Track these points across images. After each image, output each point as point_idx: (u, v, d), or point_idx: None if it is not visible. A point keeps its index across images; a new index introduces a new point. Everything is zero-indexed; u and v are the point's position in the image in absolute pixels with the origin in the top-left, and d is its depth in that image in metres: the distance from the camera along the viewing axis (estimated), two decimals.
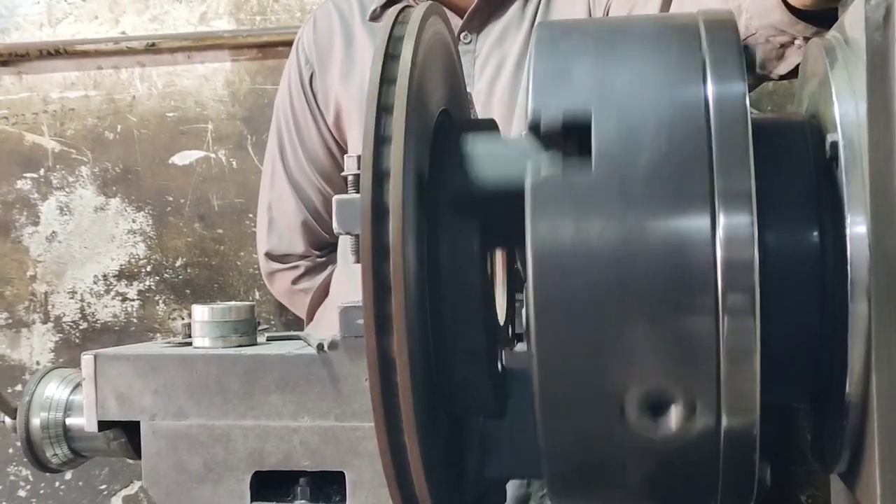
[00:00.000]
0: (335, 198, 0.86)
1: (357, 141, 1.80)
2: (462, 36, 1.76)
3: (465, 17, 1.76)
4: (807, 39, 1.27)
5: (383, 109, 0.79)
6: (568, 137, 0.76)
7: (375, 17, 1.82)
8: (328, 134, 1.90)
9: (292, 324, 2.27)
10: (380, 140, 0.78)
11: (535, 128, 0.77)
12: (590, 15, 1.73)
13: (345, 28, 1.86)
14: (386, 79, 0.80)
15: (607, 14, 1.69)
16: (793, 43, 1.31)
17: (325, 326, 1.89)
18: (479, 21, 1.77)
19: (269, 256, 1.98)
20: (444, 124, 0.91)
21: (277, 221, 1.96)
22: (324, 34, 1.88)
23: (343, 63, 1.84)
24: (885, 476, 0.76)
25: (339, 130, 1.88)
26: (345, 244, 1.90)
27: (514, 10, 1.77)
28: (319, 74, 1.87)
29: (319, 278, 1.97)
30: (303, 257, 1.96)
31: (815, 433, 0.95)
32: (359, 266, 1.91)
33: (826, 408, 0.87)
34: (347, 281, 1.86)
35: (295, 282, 1.97)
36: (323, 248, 1.97)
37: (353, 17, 1.86)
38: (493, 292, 0.95)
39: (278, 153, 1.95)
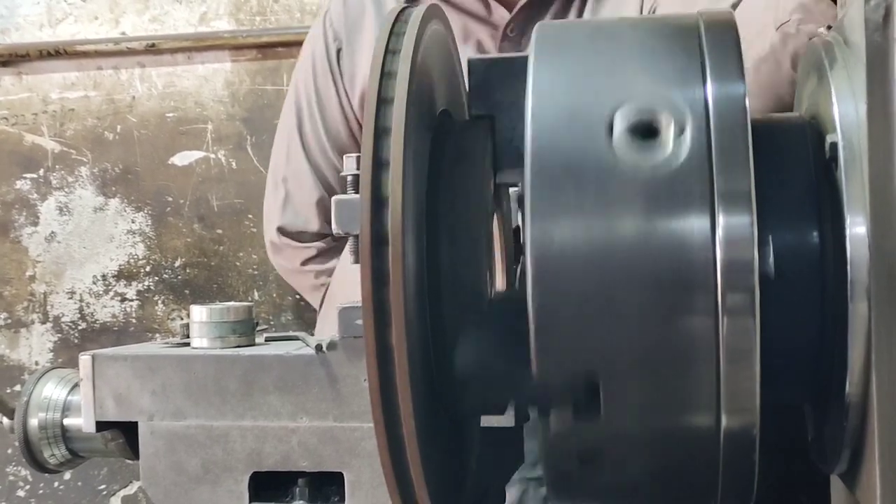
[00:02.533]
0: (334, 198, 0.86)
1: None
2: (509, 30, 1.73)
3: (513, 12, 1.73)
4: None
5: (383, 102, 0.79)
6: None
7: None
8: (351, 114, 1.83)
9: (291, 324, 2.27)
10: (380, 131, 0.78)
11: None
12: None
13: (377, 6, 1.79)
14: (386, 72, 0.80)
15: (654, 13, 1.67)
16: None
17: (330, 325, 1.86)
18: (525, 17, 1.73)
19: (282, 232, 1.90)
20: (444, 123, 0.91)
21: (294, 196, 1.88)
22: (355, 9, 1.81)
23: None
24: (885, 476, 0.75)
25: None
26: None
27: (559, 7, 1.73)
28: (347, 52, 1.80)
29: (331, 264, 1.89)
30: (317, 237, 1.89)
31: (815, 433, 0.95)
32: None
33: (826, 408, 0.87)
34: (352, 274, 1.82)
35: (304, 262, 1.90)
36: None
37: None
38: (494, 286, 0.95)
39: (296, 128, 1.87)
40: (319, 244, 1.89)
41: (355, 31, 1.80)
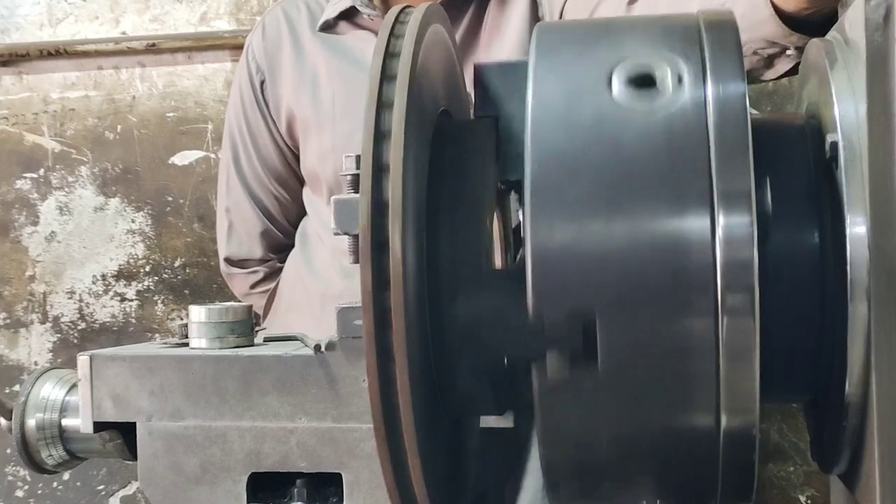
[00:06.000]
0: (333, 198, 0.86)
1: (312, 151, 1.80)
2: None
3: None
4: (798, 49, 1.26)
5: (383, 106, 0.79)
6: None
7: (328, 27, 1.81)
8: (281, 140, 1.89)
9: None
10: (380, 136, 0.78)
11: None
12: (536, 7, 1.71)
13: (293, 37, 1.85)
14: (386, 76, 0.80)
15: (562, 12, 1.67)
16: (783, 53, 1.30)
17: (283, 310, 1.90)
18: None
19: (229, 261, 1.98)
20: (443, 124, 0.91)
21: (236, 227, 1.96)
22: (272, 42, 1.87)
23: (294, 73, 1.83)
24: (885, 476, 0.75)
25: (292, 138, 1.87)
26: (304, 226, 1.91)
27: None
28: (270, 83, 1.86)
29: (277, 281, 1.97)
30: (261, 262, 1.97)
31: (815, 433, 0.94)
32: (317, 250, 1.85)
33: (826, 408, 0.87)
34: (304, 263, 1.87)
35: (253, 286, 1.97)
36: (281, 251, 1.96)
37: (302, 26, 1.84)
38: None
39: (232, 160, 1.94)
40: (264, 268, 1.97)
41: (275, 62, 1.86)
